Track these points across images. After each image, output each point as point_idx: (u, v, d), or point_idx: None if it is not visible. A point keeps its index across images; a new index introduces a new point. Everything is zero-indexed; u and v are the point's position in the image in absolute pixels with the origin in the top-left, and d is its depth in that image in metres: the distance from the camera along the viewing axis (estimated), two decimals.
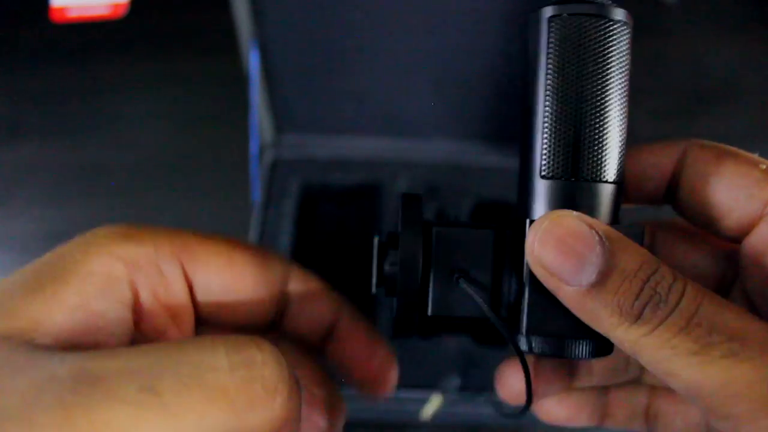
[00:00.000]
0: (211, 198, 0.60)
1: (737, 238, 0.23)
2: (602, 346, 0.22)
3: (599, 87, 0.22)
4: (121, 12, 0.75)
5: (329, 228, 0.57)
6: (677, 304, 0.18)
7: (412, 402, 0.49)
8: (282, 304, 0.25)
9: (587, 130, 0.21)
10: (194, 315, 0.23)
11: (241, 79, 0.52)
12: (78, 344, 0.19)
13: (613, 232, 0.20)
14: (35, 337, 0.18)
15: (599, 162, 0.22)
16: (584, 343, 0.22)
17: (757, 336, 0.18)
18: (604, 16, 0.22)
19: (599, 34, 0.22)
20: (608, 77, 0.22)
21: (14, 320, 0.18)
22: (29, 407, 0.15)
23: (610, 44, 0.22)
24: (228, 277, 0.23)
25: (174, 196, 0.61)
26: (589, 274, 0.19)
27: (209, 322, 0.24)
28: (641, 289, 0.19)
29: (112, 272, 0.20)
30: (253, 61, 0.51)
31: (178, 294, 0.22)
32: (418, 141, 0.60)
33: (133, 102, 0.71)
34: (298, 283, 0.25)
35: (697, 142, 0.24)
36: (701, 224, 0.24)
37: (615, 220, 0.23)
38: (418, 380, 0.50)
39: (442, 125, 0.60)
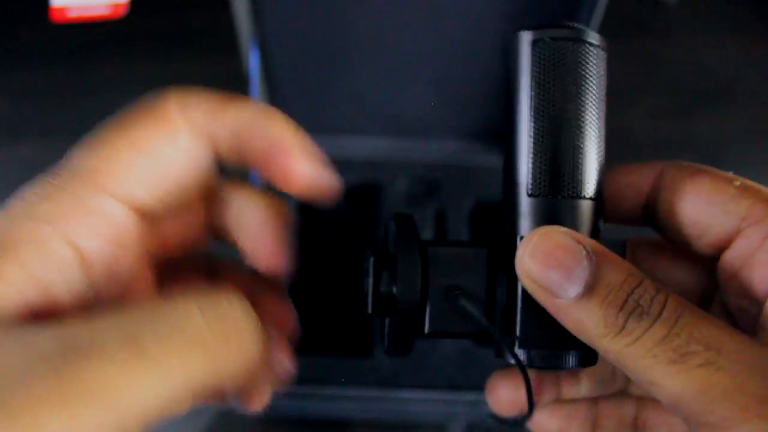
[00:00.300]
0: None
1: (715, 255, 0.24)
2: (588, 356, 0.23)
3: (580, 108, 0.23)
4: (121, 12, 0.75)
5: (329, 228, 0.57)
6: (659, 315, 0.19)
7: (412, 402, 0.49)
8: (217, 146, 0.24)
9: (569, 150, 0.23)
10: (139, 221, 0.22)
11: (241, 79, 0.52)
12: (40, 317, 0.18)
13: (600, 247, 0.21)
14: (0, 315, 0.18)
15: (580, 180, 0.23)
16: (572, 354, 0.23)
17: (733, 347, 0.19)
18: (582, 41, 0.23)
19: (579, 57, 0.23)
20: (588, 98, 0.23)
21: None
22: (23, 380, 0.15)
23: (589, 67, 0.23)
24: (145, 164, 0.22)
25: None
26: (576, 287, 0.20)
27: (159, 215, 0.23)
28: (625, 301, 0.20)
29: (43, 236, 0.19)
30: (253, 61, 0.51)
31: (119, 218, 0.21)
32: (418, 141, 0.60)
33: (133, 102, 0.70)
34: (208, 119, 0.24)
35: (674, 163, 0.25)
36: (680, 243, 0.25)
37: (596, 234, 0.23)
38: (418, 380, 0.50)
39: (442, 125, 0.60)
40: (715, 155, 0.66)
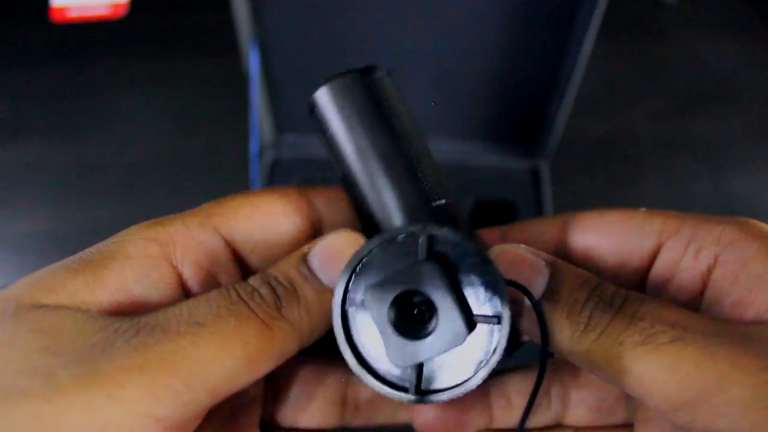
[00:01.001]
0: (211, 198, 0.60)
1: (640, 279, 0.24)
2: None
3: (377, 141, 0.24)
4: (121, 12, 0.76)
5: None
6: (621, 306, 0.20)
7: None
8: (317, 224, 0.26)
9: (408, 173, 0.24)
10: (241, 269, 0.25)
11: (241, 79, 0.52)
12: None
13: (557, 258, 0.22)
14: (85, 308, 0.20)
15: (433, 187, 0.24)
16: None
17: (699, 323, 0.19)
18: (358, 80, 0.24)
19: (364, 94, 0.24)
20: (396, 122, 0.24)
21: (60, 295, 0.20)
22: (108, 354, 0.18)
23: (379, 99, 0.24)
24: (261, 219, 0.24)
25: (174, 196, 0.61)
26: (538, 294, 0.21)
27: (258, 268, 0.25)
28: (587, 298, 0.20)
29: (149, 253, 0.21)
30: (253, 61, 0.51)
31: (221, 256, 0.23)
32: None
33: (133, 102, 0.71)
34: (324, 202, 0.26)
35: (576, 212, 0.26)
36: (604, 275, 0.25)
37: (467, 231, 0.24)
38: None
39: (442, 125, 0.60)
40: (715, 155, 0.66)
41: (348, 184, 0.24)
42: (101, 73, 0.72)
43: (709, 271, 0.22)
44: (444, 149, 0.60)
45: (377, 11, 0.50)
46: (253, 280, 0.21)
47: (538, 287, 0.21)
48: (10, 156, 0.67)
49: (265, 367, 0.20)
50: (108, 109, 0.70)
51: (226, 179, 0.61)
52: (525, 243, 0.25)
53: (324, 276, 0.22)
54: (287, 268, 0.22)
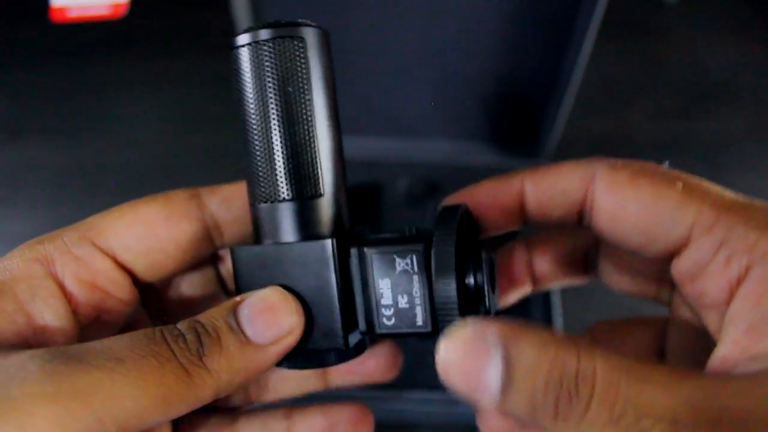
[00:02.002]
0: None
1: (666, 260, 0.23)
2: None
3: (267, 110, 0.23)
4: (121, 12, 0.76)
5: None
6: (591, 394, 0.17)
7: (412, 402, 0.49)
8: (212, 225, 0.26)
9: (286, 151, 0.23)
10: (131, 279, 0.25)
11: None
12: (29, 345, 0.21)
13: (505, 327, 0.19)
14: None
15: (311, 178, 0.23)
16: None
17: (687, 407, 0.17)
18: (286, 37, 0.23)
19: (279, 56, 0.23)
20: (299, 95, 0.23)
21: None
22: (20, 382, 0.17)
23: (277, 66, 0.23)
24: (140, 229, 0.24)
25: None
26: (495, 387, 0.18)
27: (152, 278, 0.25)
28: (546, 387, 0.18)
29: (32, 274, 0.22)
30: None
31: (102, 268, 0.24)
32: (418, 141, 0.60)
33: (133, 102, 0.71)
34: (218, 202, 0.26)
35: (605, 163, 0.23)
36: (625, 248, 0.24)
37: (340, 228, 0.23)
38: (418, 380, 0.50)
39: (442, 125, 0.60)
40: (715, 155, 0.66)
41: (241, 130, 0.24)
42: (101, 73, 0.72)
43: (739, 282, 0.20)
44: (444, 149, 0.60)
45: (377, 11, 0.50)
46: (181, 325, 0.21)
47: (493, 381, 0.18)
48: (10, 156, 0.67)
49: (178, 410, 0.20)
50: (108, 109, 0.70)
51: (226, 179, 0.61)
52: (558, 194, 0.24)
53: (250, 329, 0.22)
54: (215, 317, 0.22)
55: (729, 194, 0.21)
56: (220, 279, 0.29)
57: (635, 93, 0.71)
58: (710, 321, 0.22)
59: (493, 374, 0.18)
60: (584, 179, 0.24)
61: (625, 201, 0.22)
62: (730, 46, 0.74)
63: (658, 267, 0.26)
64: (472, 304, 0.23)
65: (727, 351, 0.19)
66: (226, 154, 0.63)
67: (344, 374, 0.27)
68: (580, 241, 0.29)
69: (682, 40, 0.75)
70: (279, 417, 0.27)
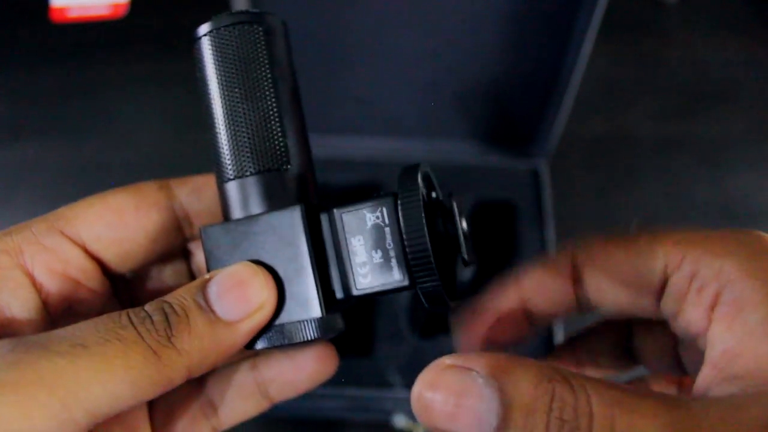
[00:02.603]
0: None
1: (657, 309, 0.24)
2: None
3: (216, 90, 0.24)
4: (121, 12, 0.76)
5: None
6: (590, 426, 0.17)
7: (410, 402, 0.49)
8: (182, 215, 0.26)
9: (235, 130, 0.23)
10: (102, 269, 0.25)
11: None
12: None
13: (493, 360, 0.18)
14: None
15: (276, 151, 0.23)
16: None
17: None
18: (241, 23, 0.24)
19: (233, 42, 0.24)
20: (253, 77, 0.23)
21: None
22: None
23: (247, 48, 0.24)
24: (109, 218, 0.24)
25: None
26: (490, 425, 0.17)
27: (122, 268, 0.25)
28: (547, 422, 0.17)
29: (0, 264, 0.22)
30: None
31: (72, 257, 0.24)
32: (418, 141, 0.60)
33: (133, 102, 0.71)
34: (188, 192, 0.27)
35: (583, 244, 0.25)
36: (622, 313, 0.25)
37: (308, 199, 0.24)
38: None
39: (442, 125, 0.60)
40: (715, 155, 0.66)
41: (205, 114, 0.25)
42: (101, 73, 0.72)
43: (712, 308, 0.21)
44: (444, 149, 0.60)
45: (377, 11, 0.50)
46: (149, 306, 0.21)
47: (488, 420, 0.17)
48: (10, 156, 0.67)
49: (150, 392, 0.20)
50: (108, 109, 0.70)
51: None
52: (552, 293, 0.26)
53: (219, 307, 0.21)
54: (183, 296, 0.21)
55: (690, 230, 0.23)
56: (191, 274, 0.29)
57: (635, 93, 0.71)
58: (699, 345, 0.22)
59: (486, 414, 0.17)
60: (566, 270, 0.26)
61: (606, 270, 0.24)
62: (730, 46, 0.74)
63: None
64: (447, 255, 0.23)
65: (706, 374, 0.20)
66: None
67: (284, 386, 0.26)
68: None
69: (682, 40, 0.75)
70: (246, 369, 0.26)
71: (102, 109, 0.70)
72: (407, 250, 0.21)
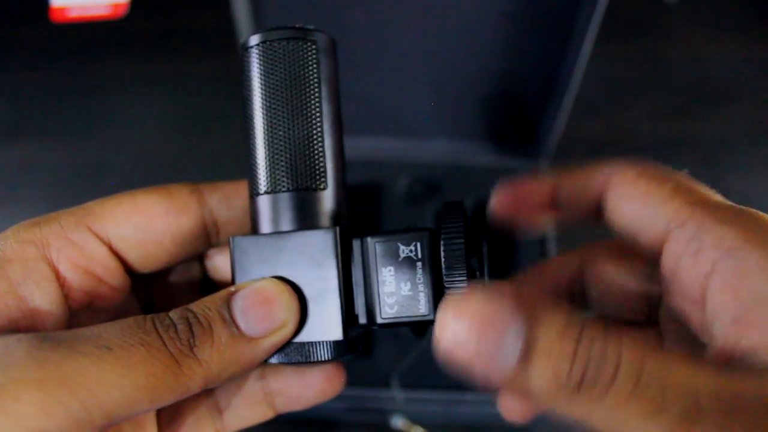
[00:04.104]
0: None
1: (658, 256, 0.23)
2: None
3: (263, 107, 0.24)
4: (121, 12, 0.76)
5: None
6: (618, 366, 0.17)
7: (412, 402, 0.49)
8: (210, 222, 0.26)
9: (283, 146, 0.23)
10: (124, 267, 0.25)
11: (241, 79, 0.52)
12: (18, 328, 0.21)
13: (526, 295, 0.18)
14: None
15: (315, 170, 0.23)
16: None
17: (709, 389, 0.17)
18: (294, 39, 0.24)
19: (287, 57, 0.24)
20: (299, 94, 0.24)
21: None
22: (4, 367, 0.17)
23: (299, 65, 0.24)
24: (138, 219, 0.24)
25: None
26: (513, 352, 0.17)
27: (144, 269, 0.25)
28: (575, 351, 0.17)
29: (26, 255, 0.22)
30: None
31: (97, 255, 0.24)
32: (418, 141, 0.60)
33: (133, 102, 0.71)
34: (219, 199, 0.26)
35: (622, 165, 0.24)
36: (628, 243, 0.25)
37: (340, 223, 0.24)
38: (417, 380, 0.50)
39: (442, 125, 0.60)
40: (715, 155, 0.66)
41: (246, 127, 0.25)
42: (101, 73, 0.72)
43: (706, 277, 0.20)
44: (444, 149, 0.60)
45: (377, 11, 0.50)
46: (173, 314, 0.21)
47: (511, 347, 0.17)
48: (10, 156, 0.67)
49: (166, 399, 0.20)
50: (108, 109, 0.70)
51: (226, 179, 0.61)
52: (581, 190, 0.25)
53: (242, 322, 0.21)
54: (208, 307, 0.22)
55: (713, 196, 0.22)
56: (205, 275, 0.29)
57: (635, 93, 0.71)
58: (692, 316, 0.22)
59: (509, 346, 0.17)
60: (602, 178, 0.25)
61: (623, 197, 0.23)
62: (730, 46, 0.74)
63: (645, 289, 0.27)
64: None
65: (720, 345, 0.19)
66: (226, 154, 0.63)
67: (290, 399, 0.27)
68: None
69: (682, 40, 0.75)
70: (255, 378, 0.26)
71: (102, 109, 0.70)
72: (446, 287, 0.22)
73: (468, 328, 0.18)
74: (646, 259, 0.24)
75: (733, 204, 0.22)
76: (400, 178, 0.59)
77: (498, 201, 0.27)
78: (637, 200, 0.23)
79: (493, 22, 0.50)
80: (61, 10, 0.75)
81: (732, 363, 0.19)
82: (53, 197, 0.64)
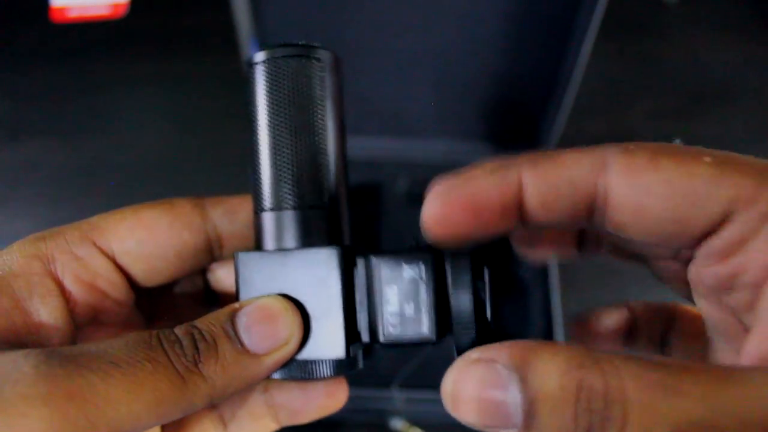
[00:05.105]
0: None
1: (686, 253, 0.21)
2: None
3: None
4: (121, 12, 0.76)
5: None
6: (625, 416, 0.16)
7: (412, 402, 0.49)
8: (213, 236, 0.26)
9: (289, 162, 0.23)
10: (128, 281, 0.25)
11: (241, 79, 0.52)
12: (24, 343, 0.21)
13: (519, 350, 0.17)
14: None
15: (320, 188, 0.23)
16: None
17: (730, 415, 0.15)
18: (298, 57, 0.24)
19: (292, 73, 0.24)
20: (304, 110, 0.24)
21: None
22: (13, 382, 0.17)
23: (302, 81, 0.24)
24: (142, 234, 0.24)
25: (174, 196, 0.61)
26: (516, 418, 0.17)
27: (148, 283, 0.25)
28: (575, 416, 0.16)
29: (31, 270, 0.22)
30: None
31: (102, 270, 0.24)
32: (418, 141, 0.60)
33: (133, 102, 0.71)
34: (222, 213, 0.26)
35: (617, 147, 0.20)
36: (645, 245, 0.23)
37: (343, 240, 0.24)
38: (417, 380, 0.50)
39: (441, 125, 0.60)
40: None
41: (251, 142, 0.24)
42: (101, 73, 0.72)
43: None
44: (444, 149, 0.60)
45: (377, 11, 0.50)
46: (178, 330, 0.21)
47: (513, 412, 0.17)
48: (10, 156, 0.67)
49: (172, 415, 0.20)
50: (108, 109, 0.70)
51: (226, 179, 0.61)
52: (565, 184, 0.20)
53: (246, 338, 0.22)
54: (212, 323, 0.22)
55: (765, 162, 0.19)
56: (208, 289, 0.29)
57: (635, 93, 0.71)
58: (739, 302, 0.20)
59: (512, 407, 0.17)
60: (594, 168, 0.20)
61: (650, 186, 0.19)
62: (730, 46, 0.74)
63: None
64: (478, 316, 0.24)
65: (761, 340, 0.18)
66: (225, 154, 0.63)
67: (293, 413, 0.27)
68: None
69: (682, 40, 0.75)
70: (258, 391, 0.26)
71: (102, 109, 0.70)
72: (453, 308, 0.22)
73: (468, 390, 0.18)
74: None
75: None
76: (400, 178, 0.58)
77: (432, 211, 0.22)
78: (672, 186, 0.19)
79: (493, 22, 0.50)
80: (61, 10, 0.75)
81: None
82: (53, 197, 0.64)
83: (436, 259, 0.23)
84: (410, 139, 0.60)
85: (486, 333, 0.25)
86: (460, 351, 0.23)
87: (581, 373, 0.16)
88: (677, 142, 0.21)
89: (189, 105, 0.70)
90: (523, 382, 0.17)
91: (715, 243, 0.19)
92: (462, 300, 0.22)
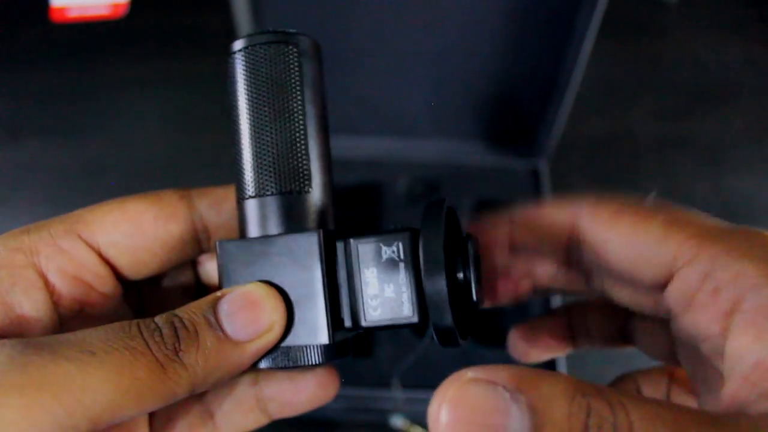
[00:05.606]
0: None
1: (659, 288, 0.22)
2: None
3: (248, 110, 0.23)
4: (121, 12, 0.76)
5: None
6: None
7: (413, 402, 0.49)
8: (200, 227, 0.26)
9: (270, 149, 0.23)
10: (115, 274, 0.25)
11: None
12: (5, 336, 0.20)
13: (519, 373, 0.16)
14: None
15: (300, 174, 0.23)
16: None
17: None
18: (277, 43, 0.24)
19: (270, 60, 0.24)
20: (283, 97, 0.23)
21: None
22: None
23: (281, 68, 0.24)
24: (127, 226, 0.24)
25: None
26: None
27: (135, 276, 0.25)
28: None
29: (15, 263, 0.22)
30: None
31: (87, 262, 0.24)
32: (418, 141, 0.60)
33: (133, 102, 0.71)
34: (208, 204, 0.26)
35: (590, 202, 0.24)
36: (614, 286, 0.24)
37: (326, 225, 0.24)
38: (417, 380, 0.50)
39: (441, 125, 0.60)
40: (715, 155, 0.66)
41: (233, 129, 0.25)
42: (101, 73, 0.72)
43: (731, 314, 0.19)
44: (444, 149, 0.60)
45: (377, 11, 0.50)
46: (159, 318, 0.21)
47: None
48: (10, 156, 0.67)
49: (152, 404, 0.20)
50: (108, 109, 0.70)
51: (226, 179, 0.61)
52: (546, 231, 0.25)
53: (228, 326, 0.21)
54: (194, 312, 0.21)
55: (711, 223, 0.21)
56: (198, 281, 0.29)
57: (635, 93, 0.71)
58: (707, 350, 0.21)
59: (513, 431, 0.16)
60: (570, 216, 0.24)
61: (608, 238, 0.23)
62: (730, 46, 0.74)
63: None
64: (460, 299, 0.23)
65: (738, 387, 0.18)
66: (225, 154, 0.62)
67: (283, 405, 0.26)
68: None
69: (682, 40, 0.75)
70: (247, 384, 0.26)
71: (102, 109, 0.70)
72: (426, 290, 0.21)
73: (468, 422, 0.16)
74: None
75: (734, 227, 0.21)
76: (400, 178, 0.59)
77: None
78: (627, 240, 0.22)
79: (493, 22, 0.50)
80: (61, 10, 0.75)
81: (747, 407, 0.18)
82: (53, 197, 0.64)
83: (414, 238, 0.22)
84: (410, 139, 0.60)
85: (468, 316, 0.25)
86: (440, 336, 0.22)
87: (588, 399, 0.16)
88: (653, 194, 0.24)
89: (189, 105, 0.70)
90: (531, 407, 0.16)
91: (669, 297, 0.22)
92: (434, 283, 0.21)
